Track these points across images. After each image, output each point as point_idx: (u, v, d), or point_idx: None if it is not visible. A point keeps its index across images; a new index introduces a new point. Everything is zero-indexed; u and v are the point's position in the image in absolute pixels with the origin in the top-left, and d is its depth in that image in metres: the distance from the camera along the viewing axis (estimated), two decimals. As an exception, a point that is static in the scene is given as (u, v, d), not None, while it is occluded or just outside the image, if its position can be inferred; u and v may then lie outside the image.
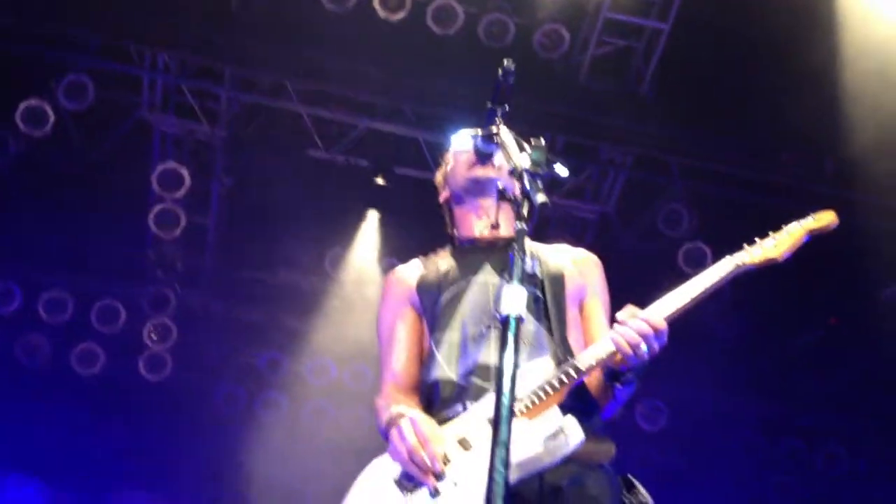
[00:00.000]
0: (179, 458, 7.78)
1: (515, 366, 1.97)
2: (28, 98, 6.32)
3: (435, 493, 2.36)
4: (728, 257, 2.59)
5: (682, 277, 2.67)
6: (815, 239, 2.69)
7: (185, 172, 6.68)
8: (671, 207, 6.98)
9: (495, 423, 1.89)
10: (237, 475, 7.77)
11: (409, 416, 2.44)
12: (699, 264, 6.70)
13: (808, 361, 7.64)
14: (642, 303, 2.48)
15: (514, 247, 2.10)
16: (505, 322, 2.01)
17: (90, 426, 7.74)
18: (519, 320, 2.01)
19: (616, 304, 2.58)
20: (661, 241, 7.04)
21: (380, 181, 6.84)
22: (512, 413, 1.92)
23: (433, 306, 2.73)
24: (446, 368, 2.61)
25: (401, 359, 2.75)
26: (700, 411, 8.33)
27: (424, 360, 2.71)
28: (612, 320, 2.48)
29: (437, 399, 2.61)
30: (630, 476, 2.60)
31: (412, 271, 2.87)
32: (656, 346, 2.37)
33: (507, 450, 1.86)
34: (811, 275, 6.86)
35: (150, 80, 6.67)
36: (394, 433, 2.43)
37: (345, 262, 7.46)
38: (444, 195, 2.97)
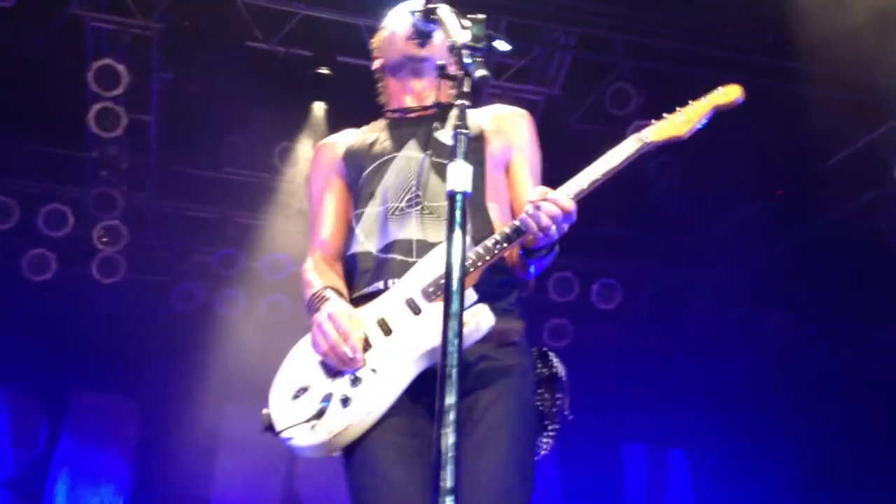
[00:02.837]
0: (141, 358, 7.82)
1: (463, 242, 2.00)
2: (-50, -4, 6.05)
3: (356, 381, 2.43)
4: (634, 135, 2.61)
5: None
6: (758, 112, 2.72)
7: (121, 69, 6.49)
8: (618, 87, 6.98)
9: (446, 296, 1.93)
10: (200, 371, 7.87)
11: (328, 311, 2.47)
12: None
13: (753, 231, 7.83)
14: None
15: (458, 123, 2.10)
16: (452, 198, 2.03)
17: (47, 332, 7.72)
18: (465, 196, 2.04)
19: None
20: (609, 121, 7.06)
21: (324, 70, 6.74)
22: (462, 286, 1.97)
23: (357, 177, 2.73)
24: (365, 242, 2.64)
25: (328, 228, 2.76)
26: (652, 286, 8.56)
27: (347, 232, 2.72)
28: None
29: (356, 272, 2.64)
30: (544, 349, 2.68)
31: (340, 141, 2.87)
32: (565, 227, 2.43)
33: (460, 321, 1.91)
34: (756, 146, 6.99)
35: (78, -27, 6.41)
36: (314, 328, 2.48)
37: (294, 155, 7.39)
38: (378, 63, 2.93)
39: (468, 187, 2.04)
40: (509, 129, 2.78)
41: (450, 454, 1.77)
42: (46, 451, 7.98)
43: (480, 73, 2.17)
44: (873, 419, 7.78)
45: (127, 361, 7.78)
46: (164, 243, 7.97)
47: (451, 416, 1.80)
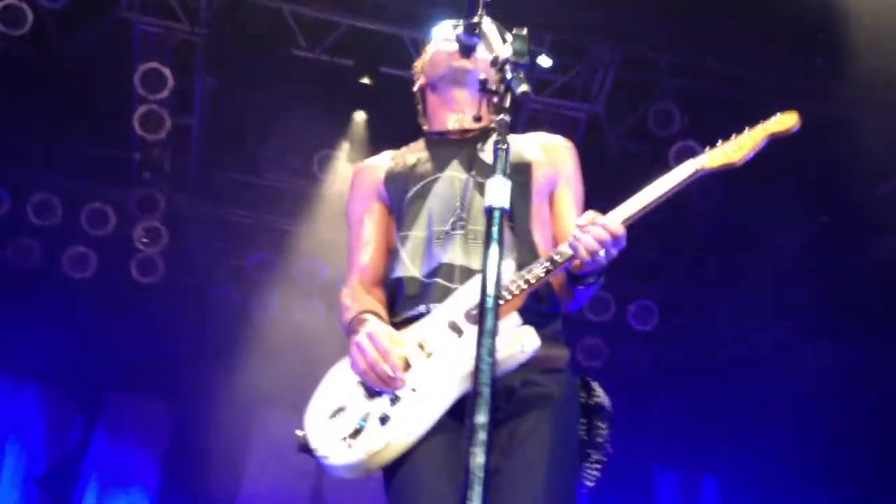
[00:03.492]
0: (176, 360, 7.87)
1: (500, 257, 1.97)
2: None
3: (395, 400, 2.39)
4: (689, 161, 2.57)
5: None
6: (804, 138, 2.67)
7: (167, 72, 6.57)
8: (661, 106, 6.92)
9: (480, 313, 1.90)
10: (233, 376, 7.90)
11: (367, 331, 2.43)
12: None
13: (796, 257, 7.71)
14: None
15: (498, 138, 2.08)
16: (490, 214, 2.00)
17: (85, 330, 7.80)
18: (503, 212, 2.01)
19: (607, 205, 2.55)
20: (652, 140, 7.01)
21: (366, 80, 6.77)
22: (497, 303, 1.94)
23: (400, 201, 2.70)
24: (410, 266, 2.60)
25: (368, 253, 2.73)
26: (689, 309, 8.44)
27: (390, 256, 2.69)
28: (587, 208, 2.48)
29: (400, 297, 2.61)
30: (587, 378, 2.63)
31: (381, 164, 2.83)
32: (614, 252, 2.39)
33: (493, 339, 1.87)
34: (802, 172, 6.89)
35: (127, -23, 6.50)
36: (353, 348, 2.44)
37: (333, 163, 7.43)
38: (420, 83, 2.92)
39: (506, 203, 2.01)
40: (555, 158, 2.76)
41: (478, 474, 1.74)
42: (79, 449, 8.04)
43: (522, 88, 2.15)
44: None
45: (161, 363, 7.84)
46: (202, 246, 8.03)
47: (482, 436, 1.77)
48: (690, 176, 2.54)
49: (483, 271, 1.95)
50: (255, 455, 8.19)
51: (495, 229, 1.98)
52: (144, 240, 7.55)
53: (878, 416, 7.76)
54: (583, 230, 2.37)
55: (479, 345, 1.86)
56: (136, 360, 7.83)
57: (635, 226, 2.57)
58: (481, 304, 1.91)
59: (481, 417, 1.77)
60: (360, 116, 7.17)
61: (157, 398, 8.26)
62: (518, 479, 2.32)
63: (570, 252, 2.40)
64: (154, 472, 8.13)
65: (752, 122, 2.74)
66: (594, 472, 2.56)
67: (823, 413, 7.88)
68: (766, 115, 2.74)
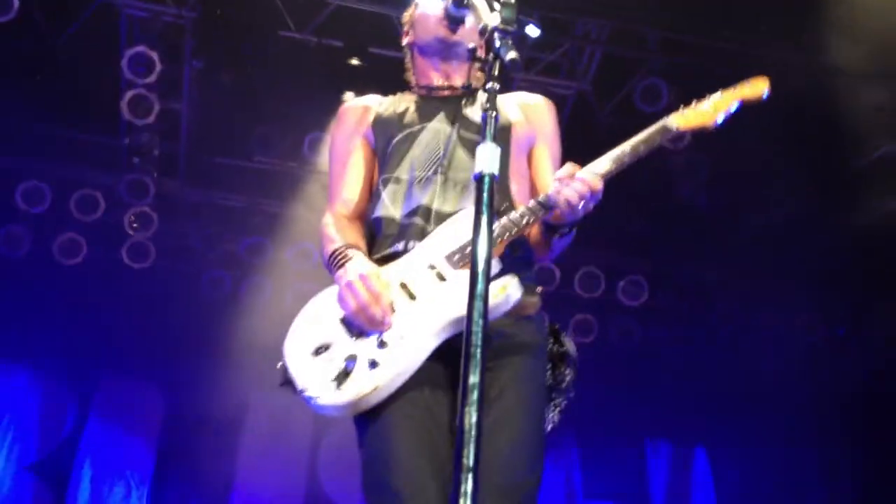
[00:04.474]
0: (168, 344, 7.88)
1: (490, 225, 2.00)
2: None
3: (382, 344, 2.45)
4: (663, 119, 2.67)
5: (659, 152, 2.73)
6: (791, 113, 2.73)
7: (155, 56, 6.56)
8: (649, 82, 6.94)
9: (472, 276, 1.94)
10: (225, 359, 7.91)
11: (360, 271, 2.48)
12: (677, 139, 6.72)
13: (782, 230, 7.76)
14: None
15: (486, 105, 2.11)
16: (480, 180, 2.04)
17: (76, 317, 7.80)
18: (493, 178, 2.04)
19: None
20: (639, 116, 7.02)
21: (355, 61, 6.76)
22: (489, 268, 1.98)
23: (386, 145, 2.77)
24: (390, 207, 2.68)
25: (353, 188, 2.81)
26: (679, 284, 8.50)
27: (372, 196, 2.77)
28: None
29: (379, 235, 2.69)
30: (556, 325, 2.73)
31: (370, 106, 2.91)
32: (591, 206, 2.49)
33: (485, 303, 1.92)
34: (788, 147, 6.92)
35: (112, -39, 6.48)
36: (344, 287, 2.48)
37: (323, 145, 7.42)
38: (408, 39, 2.98)
39: (496, 169, 2.05)
40: (535, 116, 2.85)
41: (472, 433, 1.78)
42: (73, 434, 8.06)
43: (510, 56, 2.19)
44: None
45: (154, 347, 7.84)
46: (193, 230, 8.03)
47: (475, 396, 1.81)
48: (662, 133, 2.64)
49: (474, 237, 1.98)
50: (249, 439, 8.21)
51: (485, 195, 2.02)
52: (135, 225, 7.55)
53: (865, 389, 7.85)
54: (563, 182, 2.45)
55: (471, 308, 1.90)
56: (129, 345, 7.84)
57: (624, 201, 2.65)
58: (472, 268, 1.94)
59: (474, 378, 1.82)
60: (349, 97, 7.16)
61: (150, 384, 8.26)
62: (497, 429, 2.38)
63: (549, 203, 2.49)
64: (148, 457, 8.14)
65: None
66: (556, 416, 2.65)
67: (812, 386, 7.96)
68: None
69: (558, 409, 2.65)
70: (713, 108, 2.70)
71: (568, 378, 2.67)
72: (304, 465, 8.08)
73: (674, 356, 8.47)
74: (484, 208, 2.01)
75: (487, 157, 2.05)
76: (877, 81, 6.52)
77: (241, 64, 6.89)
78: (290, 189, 7.74)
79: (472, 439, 1.78)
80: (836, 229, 7.61)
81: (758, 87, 2.76)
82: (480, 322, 1.88)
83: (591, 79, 7.07)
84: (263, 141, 7.61)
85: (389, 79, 3.12)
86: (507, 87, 6.94)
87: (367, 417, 2.45)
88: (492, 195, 2.02)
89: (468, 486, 1.74)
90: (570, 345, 2.71)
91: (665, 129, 2.64)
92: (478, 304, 1.90)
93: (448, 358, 2.45)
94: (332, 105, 7.21)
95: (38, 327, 7.64)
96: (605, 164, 2.55)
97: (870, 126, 6.65)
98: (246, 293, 8.10)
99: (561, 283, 8.07)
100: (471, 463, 1.76)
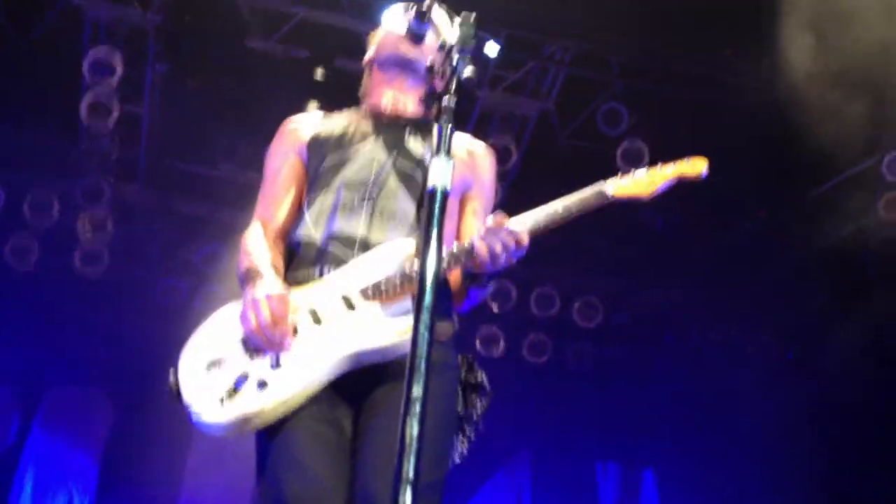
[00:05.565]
0: (118, 352, 7.76)
1: (440, 239, 1.98)
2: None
3: (276, 365, 2.42)
4: (598, 184, 2.64)
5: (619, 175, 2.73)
6: (748, 139, 2.76)
7: (117, 60, 6.49)
8: (610, 106, 7.02)
9: (419, 289, 1.92)
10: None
11: (266, 291, 2.46)
12: (637, 162, 6.79)
13: (740, 254, 7.87)
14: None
15: (442, 119, 2.10)
16: (432, 194, 2.02)
17: (25, 323, 7.66)
18: (445, 192, 2.03)
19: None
20: (600, 139, 7.10)
21: (320, 72, 6.76)
22: (437, 280, 1.96)
23: (318, 165, 2.75)
24: (312, 229, 2.66)
25: (280, 205, 2.78)
26: (633, 305, 8.56)
27: (296, 214, 2.75)
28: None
29: (296, 256, 2.66)
30: (469, 356, 2.71)
31: (308, 124, 2.89)
32: (514, 260, 2.45)
33: (431, 314, 1.90)
34: (747, 169, 7.03)
35: (78, -38, 6.41)
36: (248, 303, 2.46)
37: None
38: (368, 56, 2.99)
39: (448, 184, 2.03)
40: (476, 162, 2.84)
41: (413, 445, 1.77)
42: (17, 443, 7.89)
43: (467, 73, 2.19)
44: (849, 443, 7.79)
45: (103, 355, 7.72)
46: (149, 237, 7.93)
47: (417, 408, 1.80)
48: (597, 198, 2.61)
49: (423, 251, 1.97)
50: (197, 451, 8.10)
51: (437, 209, 2.01)
52: (89, 230, 7.43)
53: (815, 412, 7.94)
54: (489, 231, 2.43)
55: (417, 320, 1.89)
56: (78, 353, 7.71)
57: (581, 220, 2.64)
58: (420, 281, 1.93)
59: (417, 390, 1.81)
60: (314, 108, 7.14)
61: (97, 393, 8.13)
62: (382, 436, 2.36)
63: (470, 251, 2.46)
64: (93, 467, 8.00)
65: (698, 121, 2.82)
66: (464, 447, 2.62)
67: (761, 408, 8.04)
68: (711, 116, 2.83)
69: (467, 440, 2.61)
70: (650, 181, 2.68)
71: (479, 409, 2.64)
72: (251, 480, 7.97)
73: (627, 378, 8.52)
74: (434, 222, 1.99)
75: (441, 172, 2.03)
76: (838, 104, 6.64)
77: (205, 70, 6.85)
78: (250, 198, 7.65)
79: (413, 451, 1.77)
80: (793, 252, 7.73)
81: (696, 166, 2.75)
82: (426, 334, 1.87)
83: (554, 99, 7.13)
84: (224, 149, 7.56)
85: (354, 90, 3.11)
86: (471, 106, 7.00)
87: (266, 434, 2.42)
88: (443, 210, 2.00)
89: (406, 497, 1.73)
90: (483, 379, 2.67)
91: (601, 195, 2.62)
92: (424, 317, 1.89)
93: (351, 379, 2.43)
94: (294, 114, 7.25)
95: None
96: (535, 219, 2.53)
97: (830, 149, 6.76)
98: (201, 302, 8.01)
99: (516, 302, 8.09)
100: (410, 475, 1.75)
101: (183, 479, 8.05)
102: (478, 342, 8.23)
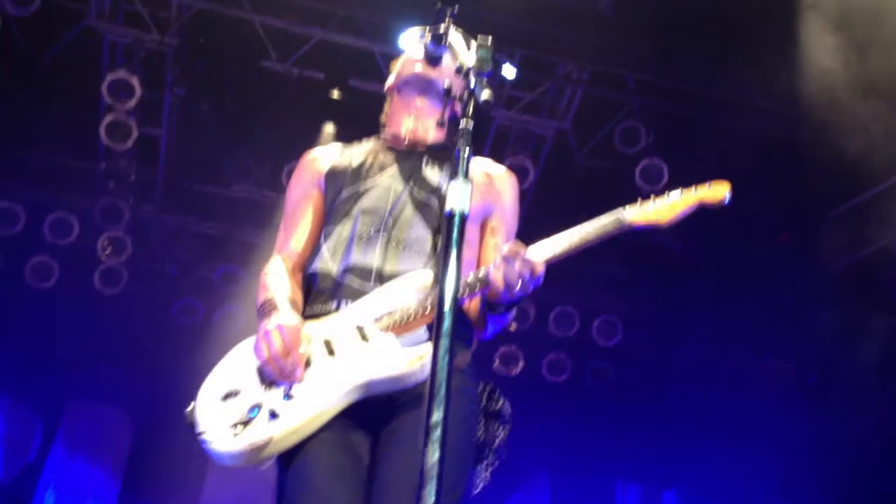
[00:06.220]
0: (138, 370, 7.79)
1: (458, 263, 1.97)
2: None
3: (289, 396, 2.42)
4: (616, 211, 2.61)
5: (638, 194, 2.70)
6: (766, 158, 2.72)
7: (135, 82, 6.55)
8: (628, 124, 7.01)
9: (438, 315, 1.91)
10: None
11: (278, 322, 2.46)
12: (656, 181, 6.76)
13: (756, 277, 7.81)
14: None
15: (460, 143, 2.11)
16: (450, 218, 2.01)
17: (46, 340, 7.70)
18: (464, 216, 2.03)
19: (573, 222, 2.59)
20: (617, 158, 7.08)
21: (335, 93, 6.79)
22: (455, 306, 1.95)
23: (334, 198, 2.75)
24: (329, 261, 2.65)
25: (299, 238, 2.77)
26: (653, 325, 8.51)
27: (315, 247, 2.74)
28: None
29: (314, 289, 2.65)
30: (490, 383, 2.68)
31: (327, 156, 2.89)
32: (530, 288, 2.41)
33: (450, 340, 1.89)
34: (762, 192, 6.99)
35: (97, -14, 6.49)
36: (261, 334, 2.47)
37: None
38: (389, 83, 2.99)
39: (466, 207, 2.03)
40: (497, 187, 2.81)
41: (434, 471, 1.76)
42: (39, 459, 7.92)
43: (485, 95, 2.19)
44: (867, 470, 7.71)
45: (123, 373, 7.75)
46: (167, 257, 7.98)
47: (437, 434, 1.79)
48: (616, 226, 2.58)
49: (441, 275, 1.96)
50: (216, 469, 8.09)
51: (455, 233, 2.00)
52: (108, 250, 7.49)
53: (836, 434, 7.87)
54: (505, 261, 2.39)
55: (437, 345, 1.88)
56: (98, 370, 7.74)
57: (600, 241, 2.59)
58: (439, 306, 1.92)
59: (437, 415, 1.79)
60: (329, 129, 7.17)
61: (117, 409, 8.16)
62: (398, 462, 2.36)
63: (485, 280, 2.44)
64: (113, 484, 8.01)
65: (716, 141, 2.78)
66: (486, 474, 2.60)
67: (783, 429, 7.97)
68: (729, 135, 2.78)
69: (490, 467, 2.59)
70: (671, 209, 2.63)
71: (500, 437, 2.62)
72: (271, 496, 7.96)
73: (647, 397, 8.46)
74: (453, 245, 1.98)
75: (459, 195, 2.03)
76: (854, 128, 6.61)
77: (222, 92, 6.89)
78: (267, 218, 7.71)
79: (434, 478, 1.75)
80: (810, 274, 7.68)
81: (719, 192, 2.68)
82: (446, 359, 1.86)
83: (571, 119, 7.12)
84: (242, 169, 7.60)
85: (369, 112, 3.12)
86: (487, 125, 7.02)
87: (285, 461, 2.42)
88: (461, 233, 1.99)
89: (425, 523, 1.72)
90: (505, 405, 2.65)
91: (619, 223, 2.58)
92: (443, 342, 1.88)
93: (365, 407, 2.44)
94: (311, 136, 7.29)
95: (6, 350, 7.54)
96: (552, 248, 2.49)
97: (845, 172, 6.72)
98: (218, 321, 8.04)
99: (535, 321, 8.07)
100: (431, 502, 1.74)
101: (202, 498, 8.04)
102: (497, 361, 8.22)
